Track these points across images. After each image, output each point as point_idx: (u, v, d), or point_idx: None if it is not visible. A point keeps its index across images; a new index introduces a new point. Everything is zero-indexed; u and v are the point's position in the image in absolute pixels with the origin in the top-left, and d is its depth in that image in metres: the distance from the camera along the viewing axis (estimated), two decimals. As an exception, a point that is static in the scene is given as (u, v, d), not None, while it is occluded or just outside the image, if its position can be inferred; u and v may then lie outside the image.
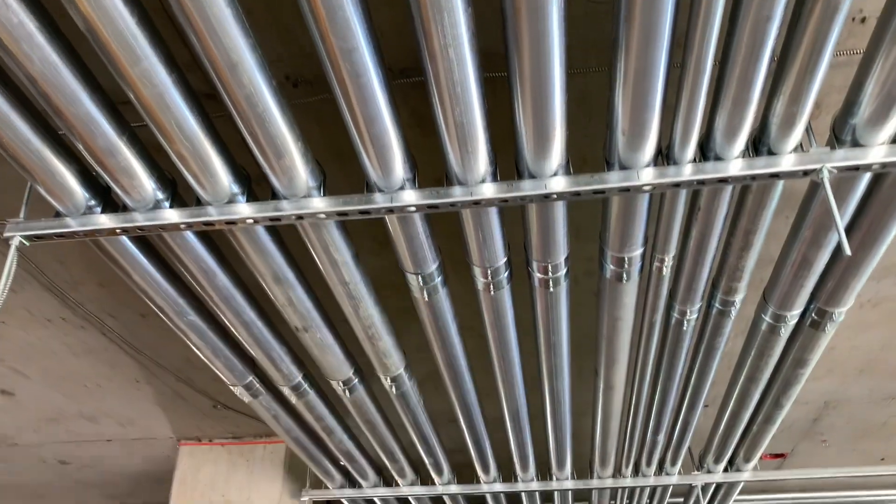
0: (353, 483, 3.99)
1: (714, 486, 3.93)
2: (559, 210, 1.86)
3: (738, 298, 2.27)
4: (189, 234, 2.00)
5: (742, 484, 3.85)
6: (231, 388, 2.83)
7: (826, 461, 4.40)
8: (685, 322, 2.37)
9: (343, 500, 4.02)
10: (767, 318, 2.36)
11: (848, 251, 1.55)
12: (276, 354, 2.57)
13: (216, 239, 2.13)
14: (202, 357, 2.63)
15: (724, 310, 2.31)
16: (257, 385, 2.85)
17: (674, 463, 3.66)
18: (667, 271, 2.12)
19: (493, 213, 1.89)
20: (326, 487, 3.98)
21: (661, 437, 3.28)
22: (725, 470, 3.68)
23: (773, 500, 5.00)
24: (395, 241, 1.97)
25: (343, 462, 3.67)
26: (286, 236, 2.11)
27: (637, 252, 2.02)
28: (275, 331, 2.51)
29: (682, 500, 4.85)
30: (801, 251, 2.03)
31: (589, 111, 2.13)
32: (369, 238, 2.63)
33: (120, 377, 3.46)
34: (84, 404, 3.73)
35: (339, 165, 2.30)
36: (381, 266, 2.75)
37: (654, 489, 4.08)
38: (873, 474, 3.63)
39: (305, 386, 2.84)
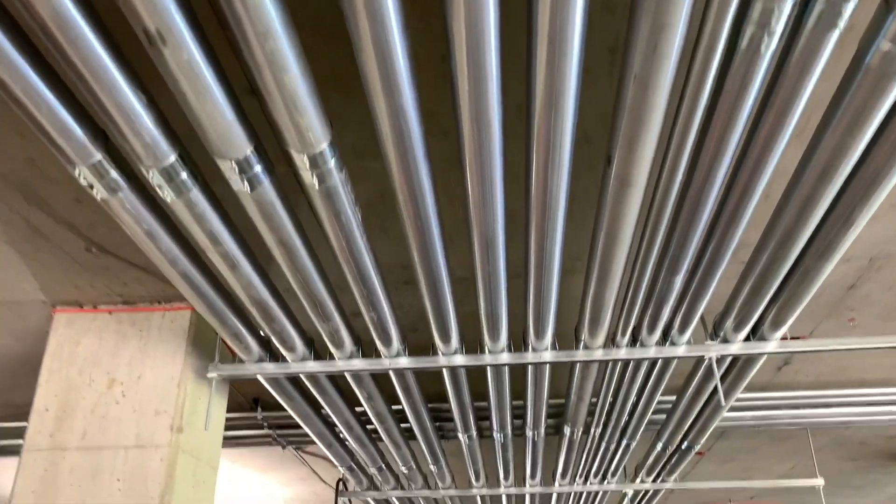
0: (275, 357, 3.14)
1: (727, 363, 3.19)
2: None
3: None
4: None
5: (763, 360, 3.11)
6: (73, 172, 1.91)
7: (850, 345, 3.70)
8: (765, 38, 1.51)
9: (260, 378, 3.17)
10: (885, 42, 1.53)
11: None
12: (126, 100, 1.66)
13: None
14: (17, 110, 1.70)
15: (830, 12, 1.46)
16: (112, 172, 1.93)
17: (683, 330, 2.88)
18: None
19: None
20: (241, 361, 3.12)
21: (679, 280, 2.48)
22: (747, 339, 2.92)
23: (776, 399, 4.34)
24: None
25: (262, 326, 2.81)
26: None
27: None
28: (117, 54, 1.59)
29: (673, 398, 4.14)
30: None
31: None
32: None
33: (-58, 193, 2.50)
34: None
35: None
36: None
37: (653, 364, 3.32)
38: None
39: (184, 174, 1.94)
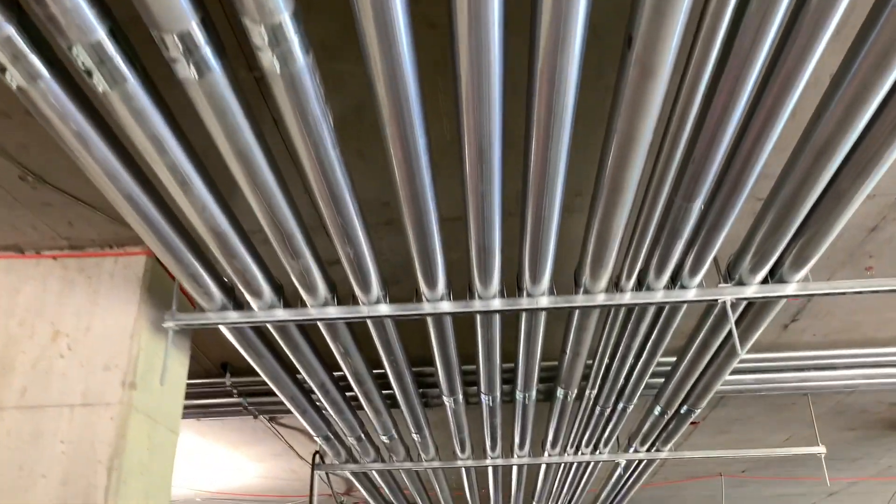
0: (239, 305, 2.81)
1: (740, 309, 2.91)
2: None
3: None
4: None
5: (780, 306, 2.84)
6: (-22, 52, 1.57)
7: (866, 297, 3.44)
8: None
9: (223, 328, 2.84)
10: None
11: None
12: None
13: None
14: None
15: None
16: (30, 54, 1.59)
17: (694, 271, 2.60)
18: None
19: None
20: (202, 310, 2.79)
21: (696, 207, 2.19)
22: (764, 282, 2.65)
23: (780, 360, 4.09)
24: None
25: (222, 264, 2.48)
26: None
27: None
28: None
29: (673, 359, 3.88)
30: None
31: None
32: None
33: None
34: None
35: None
36: None
37: (657, 314, 3.03)
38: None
39: (118, 58, 1.60)
